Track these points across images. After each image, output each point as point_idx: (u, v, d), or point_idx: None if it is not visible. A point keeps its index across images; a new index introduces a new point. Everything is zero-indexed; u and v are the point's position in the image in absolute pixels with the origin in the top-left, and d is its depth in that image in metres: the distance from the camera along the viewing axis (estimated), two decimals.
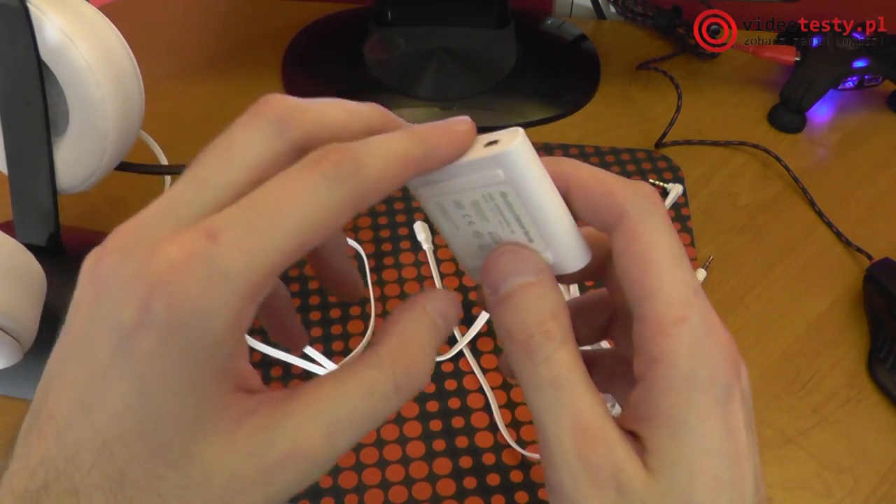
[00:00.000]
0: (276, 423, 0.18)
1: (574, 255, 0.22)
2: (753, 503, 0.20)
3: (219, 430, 0.18)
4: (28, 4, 0.41)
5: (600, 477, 0.20)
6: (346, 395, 0.19)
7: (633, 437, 0.21)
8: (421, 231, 0.54)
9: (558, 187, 0.22)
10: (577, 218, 0.22)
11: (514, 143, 0.20)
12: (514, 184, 0.21)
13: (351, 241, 0.53)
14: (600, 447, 0.20)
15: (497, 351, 0.47)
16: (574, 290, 0.47)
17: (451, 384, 0.46)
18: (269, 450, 0.18)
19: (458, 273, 0.52)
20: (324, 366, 0.46)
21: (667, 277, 0.20)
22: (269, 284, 0.18)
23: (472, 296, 0.50)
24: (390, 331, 0.21)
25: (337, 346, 0.47)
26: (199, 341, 0.17)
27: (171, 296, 0.17)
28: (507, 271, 0.22)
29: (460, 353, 0.47)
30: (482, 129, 0.21)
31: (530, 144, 0.21)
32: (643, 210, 0.21)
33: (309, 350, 0.46)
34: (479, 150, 0.21)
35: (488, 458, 0.42)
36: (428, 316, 0.21)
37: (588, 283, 0.28)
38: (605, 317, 0.26)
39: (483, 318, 0.48)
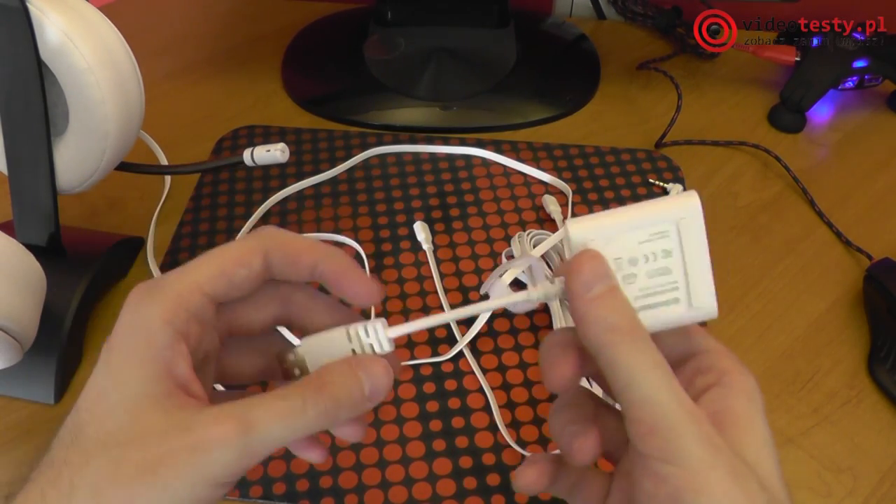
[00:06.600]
0: (201, 410, 0.23)
1: (712, 299, 0.25)
2: None
3: (157, 398, 0.23)
4: (28, 4, 0.41)
5: (721, 455, 0.22)
6: (263, 404, 0.24)
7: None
8: (421, 231, 0.54)
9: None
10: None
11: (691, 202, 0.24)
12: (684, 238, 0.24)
13: (351, 241, 0.53)
14: (709, 427, 0.23)
15: (497, 351, 0.47)
16: None
17: (451, 384, 0.46)
18: (191, 427, 0.23)
19: (458, 273, 0.52)
20: None
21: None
22: (195, 299, 0.25)
23: (473, 295, 0.50)
24: (318, 372, 0.25)
25: None
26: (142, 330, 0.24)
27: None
28: (597, 273, 0.24)
29: (460, 354, 0.47)
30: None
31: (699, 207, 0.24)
32: None
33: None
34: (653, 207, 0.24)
35: (488, 459, 0.42)
36: (354, 373, 0.25)
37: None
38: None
39: (483, 318, 0.48)
